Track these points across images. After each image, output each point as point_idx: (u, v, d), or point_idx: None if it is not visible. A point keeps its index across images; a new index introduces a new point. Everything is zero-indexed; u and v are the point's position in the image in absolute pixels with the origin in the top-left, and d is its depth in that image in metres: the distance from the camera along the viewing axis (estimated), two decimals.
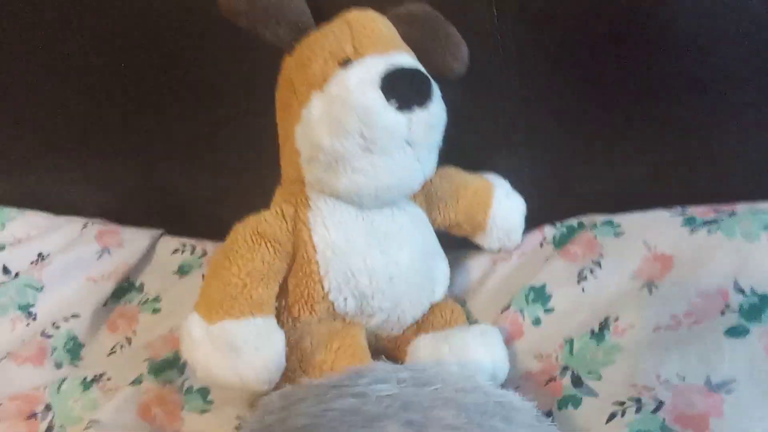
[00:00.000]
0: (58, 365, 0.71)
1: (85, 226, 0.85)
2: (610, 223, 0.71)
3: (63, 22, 0.77)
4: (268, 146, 0.67)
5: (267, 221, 0.60)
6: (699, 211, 0.68)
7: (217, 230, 0.64)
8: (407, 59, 0.60)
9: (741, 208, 0.67)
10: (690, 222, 0.67)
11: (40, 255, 0.81)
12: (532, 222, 0.75)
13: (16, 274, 0.79)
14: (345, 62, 0.59)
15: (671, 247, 0.65)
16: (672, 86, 0.68)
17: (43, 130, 0.85)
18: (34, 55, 0.80)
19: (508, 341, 0.65)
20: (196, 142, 0.81)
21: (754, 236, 0.62)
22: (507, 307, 0.68)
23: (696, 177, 0.72)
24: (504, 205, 0.73)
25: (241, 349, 0.54)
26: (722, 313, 0.58)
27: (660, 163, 0.72)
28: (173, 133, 0.81)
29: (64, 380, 0.68)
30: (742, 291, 0.59)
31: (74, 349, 0.73)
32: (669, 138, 0.70)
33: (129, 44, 0.76)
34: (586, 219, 0.73)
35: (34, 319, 0.75)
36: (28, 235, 0.83)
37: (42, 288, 0.77)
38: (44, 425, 0.65)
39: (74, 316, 0.75)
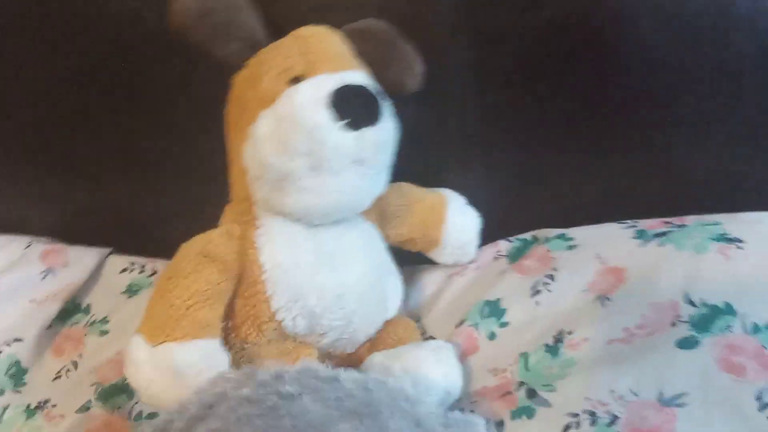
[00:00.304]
0: (0, 392, 0.69)
1: (28, 245, 0.82)
2: (563, 236, 0.71)
3: (13, 35, 0.76)
4: (217, 165, 0.66)
5: (213, 242, 0.59)
6: (650, 224, 0.69)
7: (168, 249, 0.62)
8: (359, 77, 0.59)
9: (690, 220, 0.68)
10: (641, 235, 0.67)
11: None
12: (487, 237, 0.76)
13: None
14: (295, 80, 0.58)
15: (623, 259, 0.66)
16: (624, 105, 0.69)
17: None
18: None
19: (463, 357, 0.64)
20: (146, 160, 0.80)
21: (703, 248, 0.63)
22: (461, 323, 0.68)
23: (646, 192, 0.73)
24: (458, 220, 0.72)
25: (184, 372, 0.53)
26: (673, 324, 0.59)
27: (612, 179, 0.73)
28: (122, 151, 0.80)
29: (6, 408, 0.67)
30: (692, 302, 0.60)
31: (17, 375, 0.71)
32: (620, 154, 0.72)
33: (79, 62, 0.75)
34: (540, 233, 0.74)
35: None
36: None
37: None
38: None
39: (17, 340, 0.72)
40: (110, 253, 0.84)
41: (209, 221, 0.64)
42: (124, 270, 0.82)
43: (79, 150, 0.81)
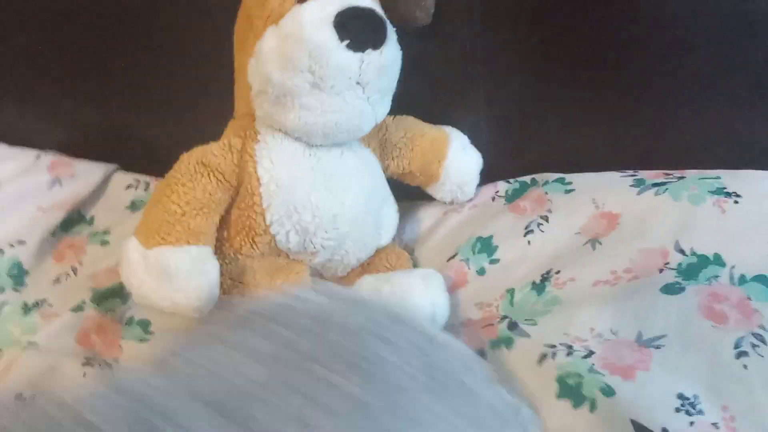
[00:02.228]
0: (1, 290, 0.71)
1: (38, 156, 0.84)
2: (561, 180, 0.71)
3: None
4: (225, 87, 0.67)
5: (213, 152, 0.60)
6: (649, 175, 0.69)
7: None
8: (365, 0, 0.59)
9: (690, 173, 0.67)
10: (639, 183, 0.67)
11: None
12: (488, 177, 0.76)
13: None
14: None
15: (618, 205, 0.66)
16: (631, 54, 0.68)
17: (2, 63, 0.84)
18: None
19: (452, 289, 0.65)
20: (154, 82, 0.81)
21: (699, 199, 0.63)
22: (453, 257, 0.69)
23: (650, 143, 0.72)
24: (459, 157, 0.73)
25: (175, 275, 0.55)
26: (661, 270, 0.59)
27: (616, 128, 0.73)
28: (132, 72, 0.81)
29: (4, 304, 0.69)
30: (682, 251, 0.60)
31: (18, 275, 0.73)
32: (625, 104, 0.71)
33: None
34: (540, 176, 0.74)
35: None
36: None
37: None
38: None
39: (20, 242, 0.74)
40: (116, 170, 0.86)
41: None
42: (129, 186, 0.83)
43: (90, 71, 0.82)
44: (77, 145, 0.87)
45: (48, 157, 0.84)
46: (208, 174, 0.59)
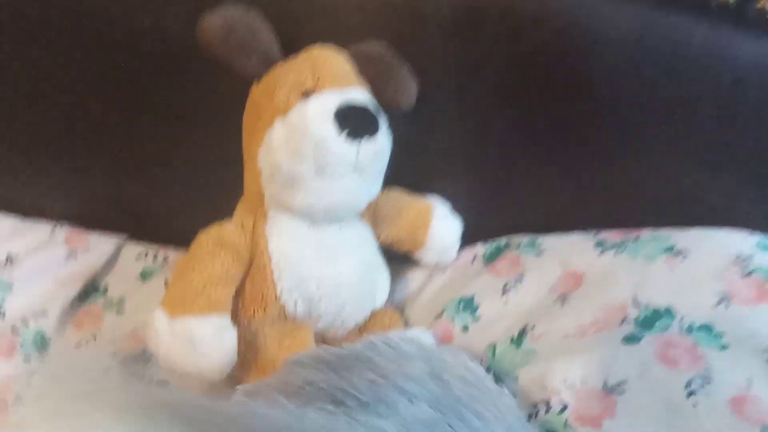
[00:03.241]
0: (27, 358, 0.76)
1: (53, 230, 0.89)
2: (532, 243, 0.80)
3: (39, 36, 0.81)
4: (226, 163, 0.73)
5: (228, 231, 0.67)
6: (609, 236, 0.77)
7: (178, 237, 0.70)
8: (360, 94, 0.67)
9: (645, 233, 0.76)
10: (600, 245, 0.76)
11: (8, 257, 0.85)
12: (467, 239, 0.83)
13: None
14: (306, 93, 0.66)
15: (583, 266, 0.74)
16: (591, 124, 0.76)
17: (14, 139, 0.89)
18: (8, 68, 0.83)
19: (440, 345, 0.72)
20: (161, 157, 0.86)
21: (653, 258, 0.71)
22: (440, 315, 0.76)
23: (610, 204, 0.80)
24: (442, 225, 0.80)
25: (198, 342, 0.61)
26: (621, 323, 0.66)
27: (579, 192, 0.81)
28: (140, 146, 0.86)
29: (33, 373, 0.73)
30: (638, 305, 0.67)
31: (42, 344, 0.77)
32: (588, 170, 0.79)
33: (101, 62, 0.81)
34: (512, 239, 0.82)
35: (3, 316, 0.79)
36: None
37: (11, 287, 0.81)
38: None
39: (42, 314, 0.79)
40: (126, 240, 0.91)
41: (215, 214, 0.71)
42: (139, 256, 0.89)
43: (100, 147, 0.87)
44: (87, 214, 0.92)
45: (63, 230, 0.89)
46: (225, 251, 0.65)
